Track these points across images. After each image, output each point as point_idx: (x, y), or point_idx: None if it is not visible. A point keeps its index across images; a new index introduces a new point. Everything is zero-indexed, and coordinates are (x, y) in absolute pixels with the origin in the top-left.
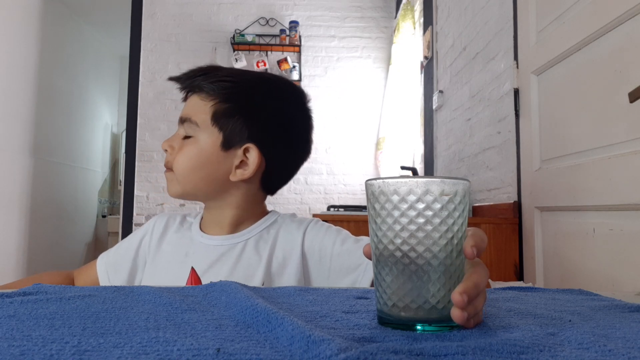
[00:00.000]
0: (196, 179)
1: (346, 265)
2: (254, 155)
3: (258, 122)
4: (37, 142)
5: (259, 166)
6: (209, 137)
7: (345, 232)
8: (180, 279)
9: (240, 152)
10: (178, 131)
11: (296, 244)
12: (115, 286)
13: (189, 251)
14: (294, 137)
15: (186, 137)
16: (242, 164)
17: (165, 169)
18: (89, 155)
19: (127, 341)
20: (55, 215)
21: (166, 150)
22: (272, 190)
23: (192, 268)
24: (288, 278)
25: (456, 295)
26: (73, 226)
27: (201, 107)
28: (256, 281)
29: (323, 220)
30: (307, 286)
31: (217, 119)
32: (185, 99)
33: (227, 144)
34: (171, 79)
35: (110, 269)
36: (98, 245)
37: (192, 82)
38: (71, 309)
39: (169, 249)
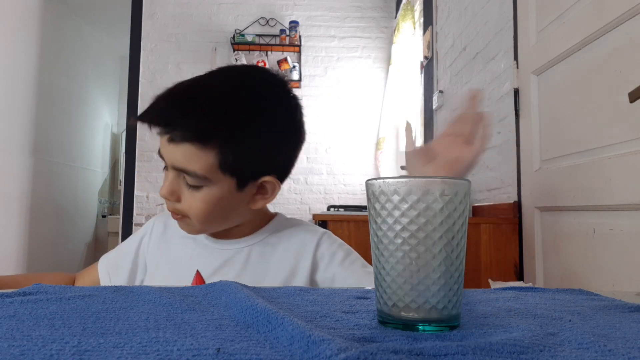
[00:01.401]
0: (218, 220)
1: (347, 285)
2: (272, 184)
3: (265, 152)
4: (37, 142)
5: (277, 185)
6: (221, 186)
7: (356, 254)
8: (184, 282)
9: (256, 184)
10: (173, 177)
11: (307, 254)
12: (115, 286)
13: (192, 254)
14: (294, 137)
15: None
16: (261, 189)
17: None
18: (89, 155)
19: (127, 341)
20: (55, 215)
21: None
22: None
23: (197, 271)
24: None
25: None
26: (73, 226)
27: (201, 158)
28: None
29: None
30: None
31: (226, 168)
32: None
33: (242, 185)
34: (140, 119)
35: (112, 270)
36: (98, 245)
37: (173, 128)
38: (71, 309)
39: (171, 251)
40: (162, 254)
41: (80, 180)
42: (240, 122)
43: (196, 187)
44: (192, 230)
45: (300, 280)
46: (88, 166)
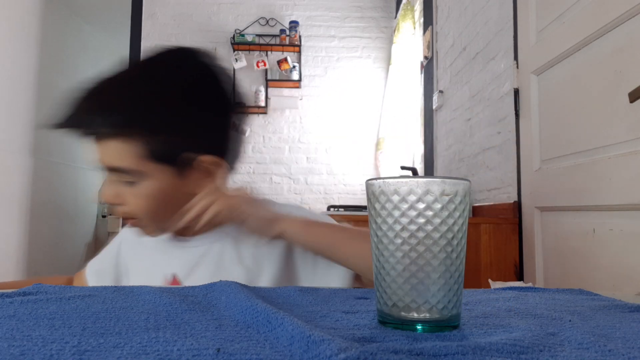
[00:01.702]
0: (172, 215)
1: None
2: (215, 163)
3: (193, 133)
4: (37, 142)
5: (220, 163)
6: (159, 177)
7: (328, 219)
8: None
9: (197, 167)
10: (111, 177)
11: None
12: (115, 286)
13: (166, 256)
14: (224, 111)
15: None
16: (206, 172)
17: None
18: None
19: (127, 341)
20: (55, 215)
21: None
22: (233, 164)
23: (174, 276)
24: (272, 274)
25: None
26: (73, 226)
27: (129, 152)
28: (241, 281)
29: None
30: (292, 280)
31: (156, 157)
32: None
33: (181, 171)
34: (61, 126)
35: (98, 276)
36: (98, 245)
37: (93, 127)
38: (71, 309)
39: (146, 254)
40: (139, 258)
41: (80, 180)
42: (158, 107)
43: (135, 184)
44: (150, 231)
45: (274, 263)
46: (88, 166)
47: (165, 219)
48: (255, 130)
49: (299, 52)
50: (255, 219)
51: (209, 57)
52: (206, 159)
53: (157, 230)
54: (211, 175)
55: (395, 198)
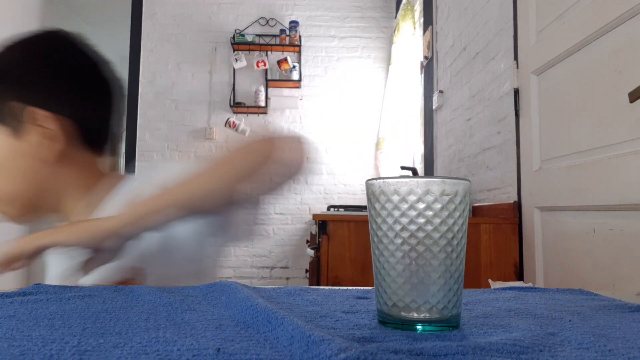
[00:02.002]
0: (22, 190)
1: None
2: (45, 118)
3: (17, 84)
4: None
5: (61, 123)
6: None
7: None
8: None
9: (31, 125)
10: None
11: None
12: (115, 286)
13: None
14: (69, 73)
15: None
16: (44, 133)
17: None
18: None
19: (127, 341)
20: None
21: None
22: (101, 145)
23: None
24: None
25: None
26: None
27: None
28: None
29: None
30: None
31: None
32: None
33: (14, 127)
34: None
35: None
36: None
37: None
38: (71, 309)
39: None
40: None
41: None
42: None
43: None
44: (14, 216)
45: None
46: None
47: (20, 198)
48: (255, 130)
49: (299, 52)
50: (85, 241)
51: (63, 31)
52: (38, 111)
53: (21, 215)
54: (54, 139)
55: (395, 198)
